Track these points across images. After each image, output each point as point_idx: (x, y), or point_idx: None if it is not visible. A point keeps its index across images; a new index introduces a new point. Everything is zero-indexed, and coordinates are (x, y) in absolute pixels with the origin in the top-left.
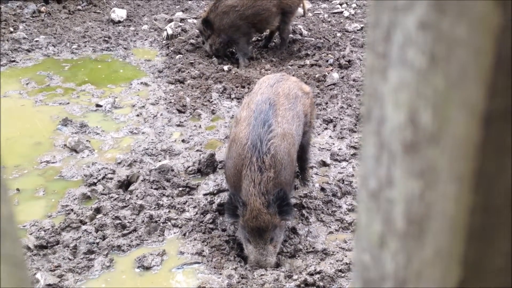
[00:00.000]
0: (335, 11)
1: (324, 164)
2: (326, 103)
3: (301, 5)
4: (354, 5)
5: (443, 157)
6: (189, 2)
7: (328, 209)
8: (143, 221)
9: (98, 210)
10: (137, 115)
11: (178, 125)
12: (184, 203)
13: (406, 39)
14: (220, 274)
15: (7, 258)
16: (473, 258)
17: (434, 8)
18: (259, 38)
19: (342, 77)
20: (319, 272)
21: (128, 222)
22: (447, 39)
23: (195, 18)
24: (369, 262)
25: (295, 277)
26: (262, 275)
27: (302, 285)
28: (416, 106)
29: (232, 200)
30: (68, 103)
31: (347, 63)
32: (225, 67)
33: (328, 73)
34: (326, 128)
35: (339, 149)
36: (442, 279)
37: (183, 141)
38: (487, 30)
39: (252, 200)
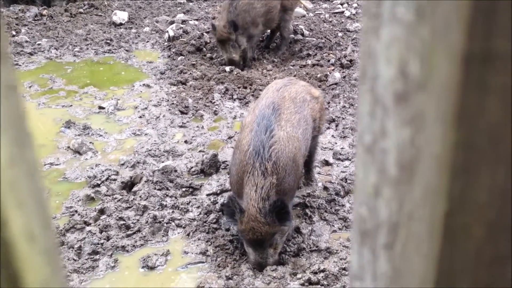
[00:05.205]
0: (336, 11)
1: (327, 163)
2: (328, 103)
3: (300, 4)
4: (355, 5)
5: (430, 102)
6: (190, 4)
7: (331, 208)
8: (147, 222)
9: (102, 211)
10: (140, 117)
11: (181, 126)
12: (187, 204)
13: None
14: (224, 273)
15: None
16: (458, 193)
17: None
18: (260, 38)
19: (344, 77)
20: (323, 271)
21: (132, 222)
22: None
23: (197, 20)
24: (366, 214)
25: (299, 275)
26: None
27: (306, 284)
28: (406, 59)
29: (230, 203)
30: (71, 105)
31: (348, 62)
32: (227, 68)
33: (330, 73)
34: (328, 128)
35: (342, 148)
36: (430, 216)
37: (185, 142)
38: None
39: (251, 205)
